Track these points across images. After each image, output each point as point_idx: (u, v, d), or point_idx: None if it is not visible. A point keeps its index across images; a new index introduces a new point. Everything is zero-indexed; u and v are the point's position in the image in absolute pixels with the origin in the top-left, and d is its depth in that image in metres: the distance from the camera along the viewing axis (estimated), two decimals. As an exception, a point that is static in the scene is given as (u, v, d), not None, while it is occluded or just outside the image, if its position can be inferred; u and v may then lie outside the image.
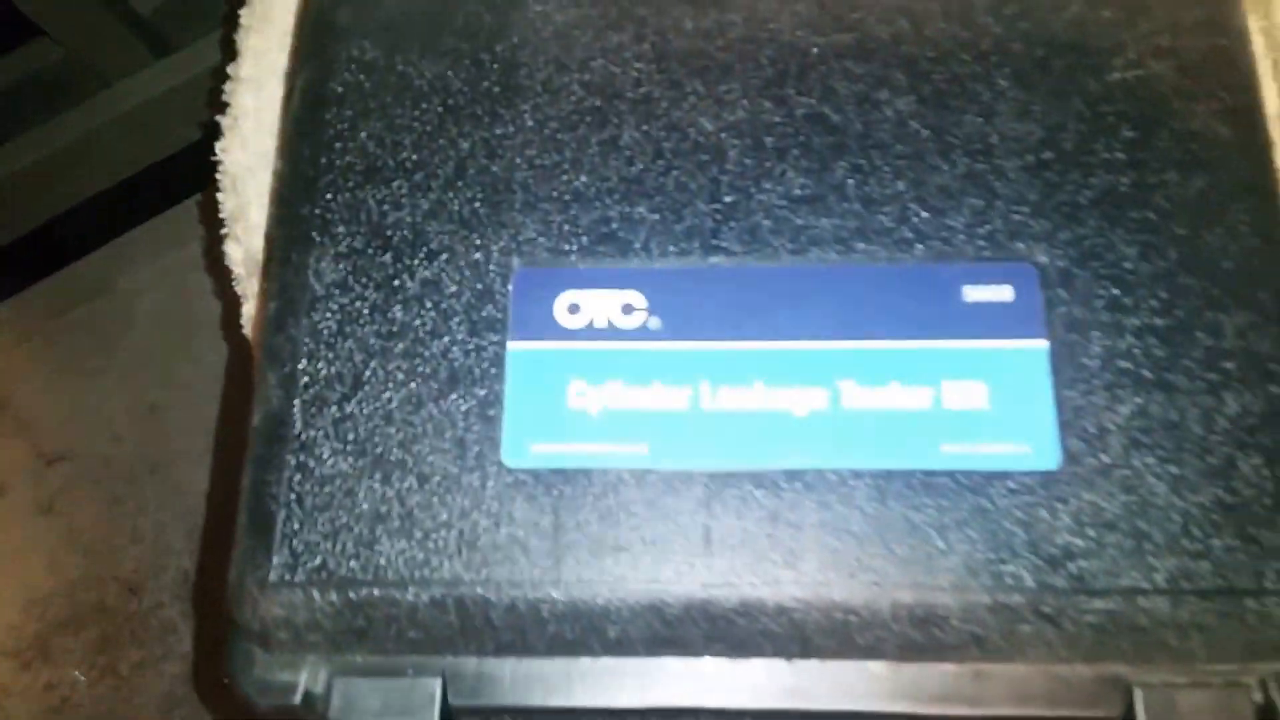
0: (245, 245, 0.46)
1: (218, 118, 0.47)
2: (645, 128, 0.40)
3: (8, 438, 0.92)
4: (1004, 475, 0.35)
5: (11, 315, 0.95)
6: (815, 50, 0.40)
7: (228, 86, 0.47)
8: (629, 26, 0.41)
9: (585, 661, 0.36)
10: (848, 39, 0.40)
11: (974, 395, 0.36)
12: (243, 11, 0.48)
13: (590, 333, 0.37)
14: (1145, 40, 0.40)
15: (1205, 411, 0.36)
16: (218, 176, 0.47)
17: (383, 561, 0.35)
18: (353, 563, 0.35)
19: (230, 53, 0.48)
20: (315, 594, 0.35)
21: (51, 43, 0.70)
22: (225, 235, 0.47)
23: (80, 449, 0.92)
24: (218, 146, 0.47)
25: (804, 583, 0.35)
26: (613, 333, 0.37)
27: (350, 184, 0.39)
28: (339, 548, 0.36)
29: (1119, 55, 0.40)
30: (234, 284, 0.48)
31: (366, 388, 0.37)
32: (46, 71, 0.71)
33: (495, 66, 0.41)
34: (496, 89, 0.40)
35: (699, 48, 0.41)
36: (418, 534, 0.36)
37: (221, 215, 0.47)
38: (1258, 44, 0.45)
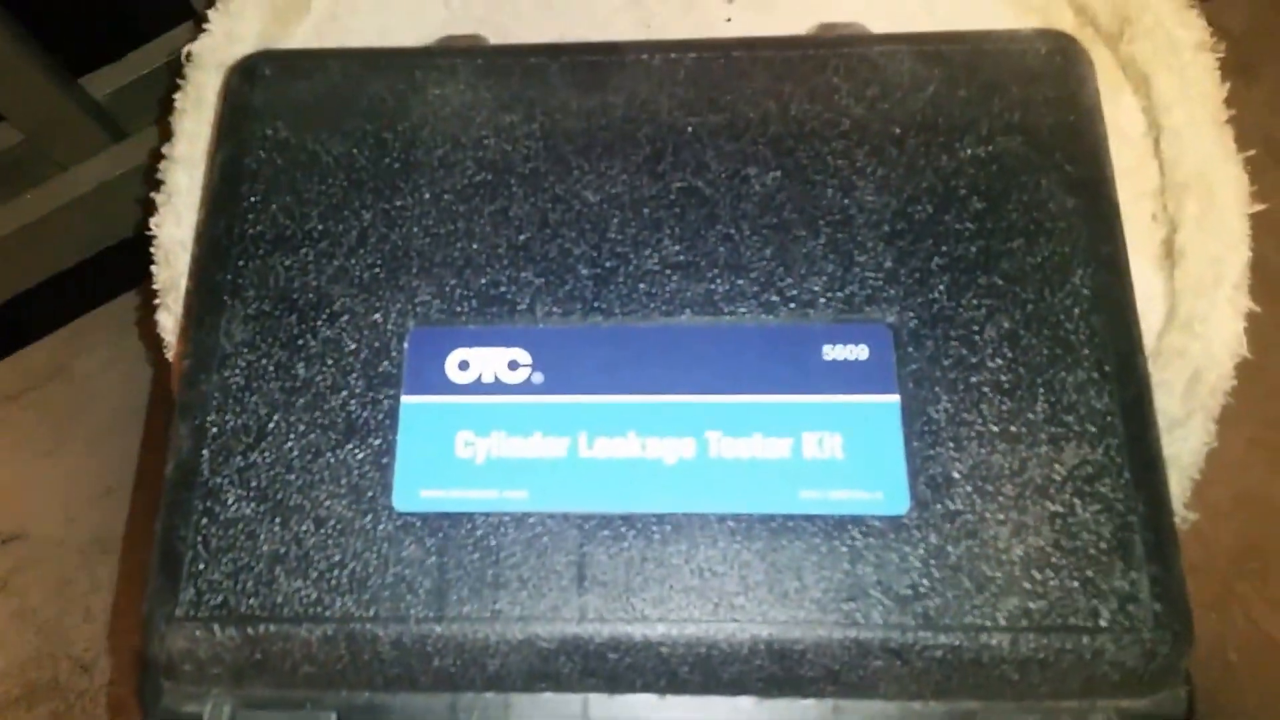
0: (176, 314, 0.49)
1: (152, 194, 0.51)
2: (533, 200, 0.43)
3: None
4: (857, 520, 0.38)
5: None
6: (690, 129, 0.44)
7: (162, 165, 0.51)
8: (519, 107, 0.45)
9: (468, 696, 0.38)
10: (720, 119, 0.44)
11: (830, 446, 0.39)
12: (177, 96, 0.52)
13: (478, 387, 0.40)
14: (998, 117, 0.43)
15: (1045, 462, 0.38)
16: (151, 250, 0.50)
17: (280, 599, 0.38)
18: (253, 600, 0.38)
19: (166, 133, 0.51)
20: (218, 629, 0.38)
21: (7, 126, 0.72)
22: (158, 305, 0.50)
23: (34, 529, 0.92)
24: (152, 222, 0.50)
25: (671, 619, 0.37)
26: (498, 387, 0.40)
27: (261, 251, 0.43)
28: (241, 586, 0.38)
29: (971, 131, 0.43)
30: (165, 351, 0.51)
31: (270, 438, 0.40)
32: (3, 155, 0.73)
33: (396, 144, 0.44)
34: (396, 165, 0.44)
35: (584, 127, 0.44)
36: (313, 573, 0.38)
37: (155, 286, 0.50)
38: (1136, 123, 0.49)
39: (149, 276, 0.50)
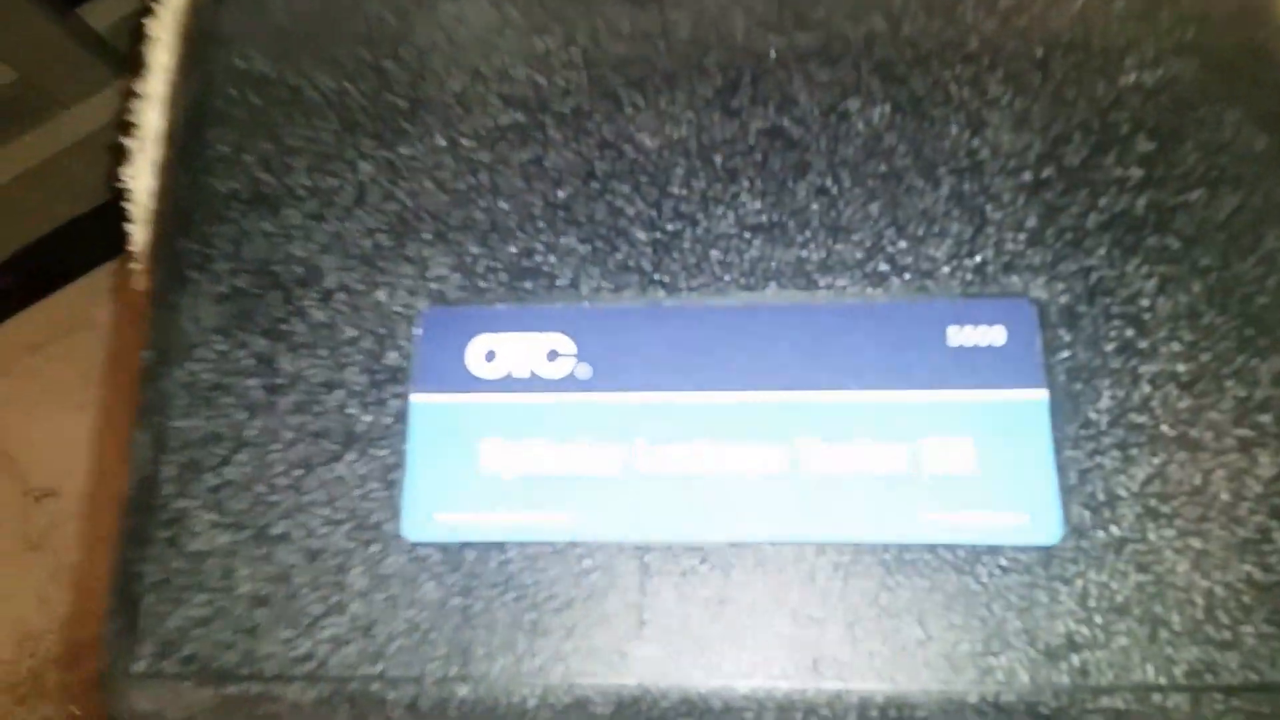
0: (158, 284, 0.41)
1: (123, 139, 0.43)
2: (574, 146, 0.34)
3: (-5, 471, 0.90)
4: (994, 551, 0.30)
5: (-10, 347, 0.93)
6: (773, 54, 0.35)
7: (134, 105, 0.43)
8: (556, 29, 0.36)
9: None
10: (811, 40, 0.35)
11: (959, 456, 0.30)
12: (148, 21, 0.43)
13: (508, 384, 0.32)
14: (1165, 36, 0.34)
15: (1235, 474, 0.30)
16: (125, 206, 0.42)
17: (264, 652, 0.30)
18: (229, 653, 0.30)
19: (138, 67, 0.43)
20: (188, 688, 0.30)
21: (2, 66, 0.67)
22: (135, 271, 0.42)
23: (67, 485, 0.90)
24: (123, 173, 0.42)
25: (756, 676, 0.29)
26: (534, 383, 0.32)
27: (234, 214, 0.34)
28: (214, 635, 0.30)
29: (1134, 53, 0.34)
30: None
31: (248, 449, 0.32)
32: (-1, 95, 0.68)
33: (401, 77, 0.35)
34: (402, 103, 0.35)
35: (638, 53, 0.35)
36: (304, 620, 0.30)
37: (131, 249, 0.42)
38: None
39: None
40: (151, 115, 0.42)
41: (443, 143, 0.34)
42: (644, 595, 0.30)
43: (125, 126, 0.43)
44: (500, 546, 0.31)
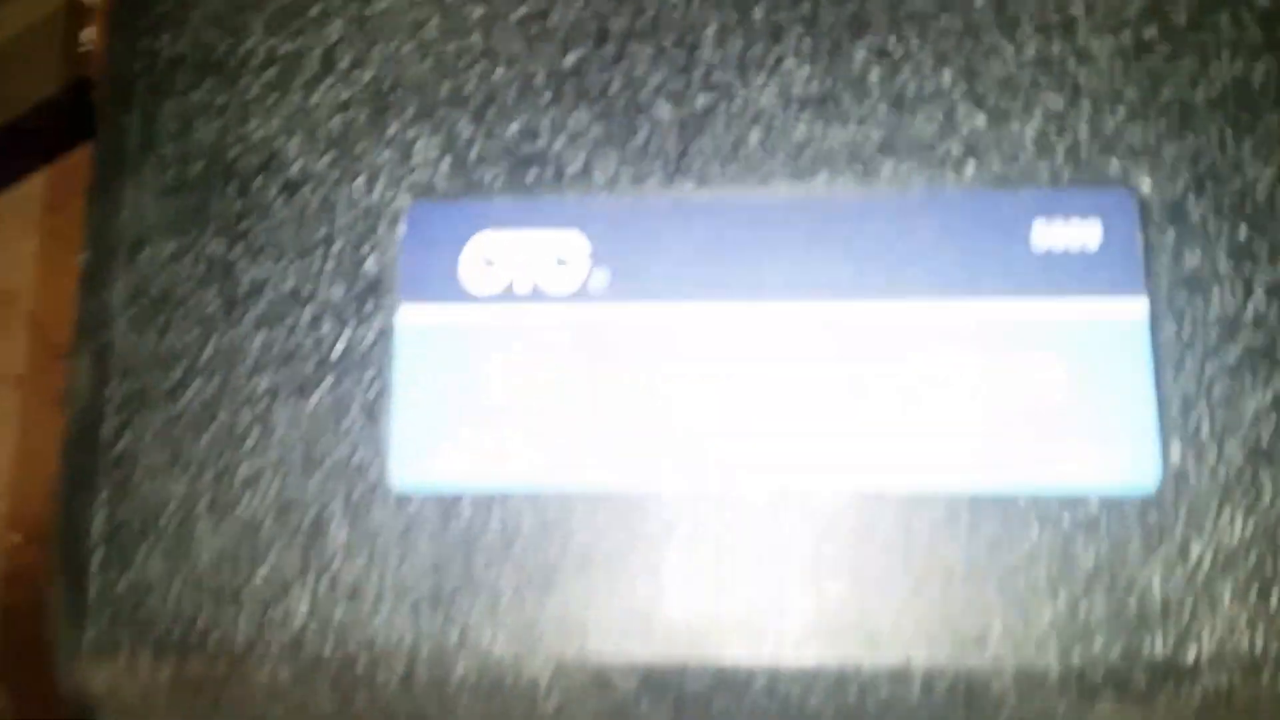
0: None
1: None
2: None
3: (20, 331, 0.86)
4: (1083, 499, 0.25)
5: (12, 206, 0.88)
6: None
7: None
8: None
9: None
10: None
11: (1046, 380, 0.26)
12: None
13: (511, 294, 0.27)
14: None
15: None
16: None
17: (232, 621, 0.26)
18: (192, 623, 0.26)
19: None
20: (145, 664, 0.26)
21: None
22: None
23: None
24: (83, 36, 0.36)
25: (804, 647, 0.25)
26: (543, 294, 0.27)
27: (182, 86, 0.28)
28: (171, 602, 0.26)
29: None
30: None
31: (203, 376, 0.27)
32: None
33: None
34: None
35: None
36: (276, 583, 0.26)
37: None
38: None
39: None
40: None
41: None
42: (674, 554, 0.26)
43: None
44: (505, 498, 0.26)
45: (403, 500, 0.26)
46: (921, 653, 0.25)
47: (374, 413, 0.27)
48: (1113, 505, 0.25)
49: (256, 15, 0.29)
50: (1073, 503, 0.25)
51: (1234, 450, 0.25)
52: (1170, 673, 0.25)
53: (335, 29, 0.28)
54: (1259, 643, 0.25)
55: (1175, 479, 0.25)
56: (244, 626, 0.26)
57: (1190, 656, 0.25)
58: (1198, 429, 0.25)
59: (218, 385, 0.27)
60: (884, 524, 0.26)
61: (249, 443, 0.27)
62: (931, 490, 0.26)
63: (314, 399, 0.27)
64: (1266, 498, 0.25)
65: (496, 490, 0.26)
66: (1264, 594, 0.25)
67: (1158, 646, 0.25)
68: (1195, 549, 0.25)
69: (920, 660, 0.25)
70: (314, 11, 0.29)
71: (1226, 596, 0.25)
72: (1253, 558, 0.25)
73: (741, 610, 0.26)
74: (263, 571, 0.26)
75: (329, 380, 0.27)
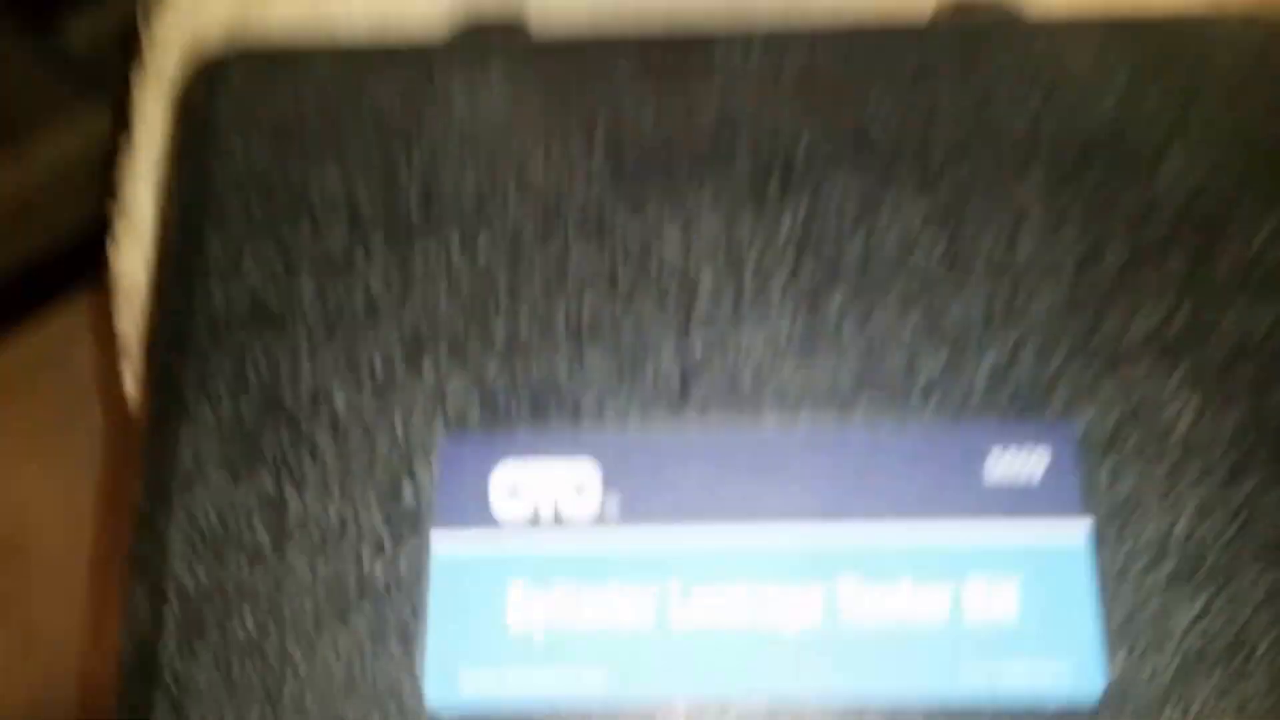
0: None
1: (113, 215, 0.39)
2: (598, 251, 0.32)
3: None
4: (1035, 708, 0.28)
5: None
6: (804, 146, 0.33)
7: (119, 176, 0.38)
8: (577, 119, 0.33)
9: None
10: (841, 141, 0.33)
11: (1001, 596, 0.29)
12: (134, 74, 0.39)
13: (535, 523, 0.30)
14: (1200, 134, 0.33)
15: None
16: (110, 281, 0.38)
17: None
18: None
19: (122, 120, 0.39)
20: None
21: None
22: (121, 358, 0.38)
23: (33, 542, 0.83)
24: (110, 251, 0.38)
25: None
26: (562, 522, 0.30)
27: (233, 332, 0.31)
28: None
29: (1172, 150, 0.33)
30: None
31: (253, 605, 0.29)
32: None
33: (412, 177, 0.33)
34: (414, 204, 0.32)
35: (663, 144, 0.33)
36: (322, 800, 0.28)
37: (116, 330, 0.38)
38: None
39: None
40: (142, 194, 0.38)
41: (458, 248, 0.32)
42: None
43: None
44: (529, 717, 0.29)
45: (438, 715, 0.29)
46: None
47: (409, 636, 0.29)
48: (1064, 714, 0.28)
49: (305, 268, 0.32)
50: (1027, 714, 0.28)
51: (1169, 659, 0.28)
52: None
53: (377, 278, 0.32)
54: None
55: (1119, 688, 0.28)
56: None
57: None
58: (1135, 641, 0.29)
59: (266, 613, 0.29)
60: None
61: (295, 668, 0.29)
62: (909, 700, 0.29)
63: (355, 624, 0.29)
64: (1198, 703, 0.28)
65: (524, 710, 0.29)
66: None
67: None
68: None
69: None
70: (360, 263, 0.32)
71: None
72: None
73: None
74: None
75: (368, 606, 0.29)
